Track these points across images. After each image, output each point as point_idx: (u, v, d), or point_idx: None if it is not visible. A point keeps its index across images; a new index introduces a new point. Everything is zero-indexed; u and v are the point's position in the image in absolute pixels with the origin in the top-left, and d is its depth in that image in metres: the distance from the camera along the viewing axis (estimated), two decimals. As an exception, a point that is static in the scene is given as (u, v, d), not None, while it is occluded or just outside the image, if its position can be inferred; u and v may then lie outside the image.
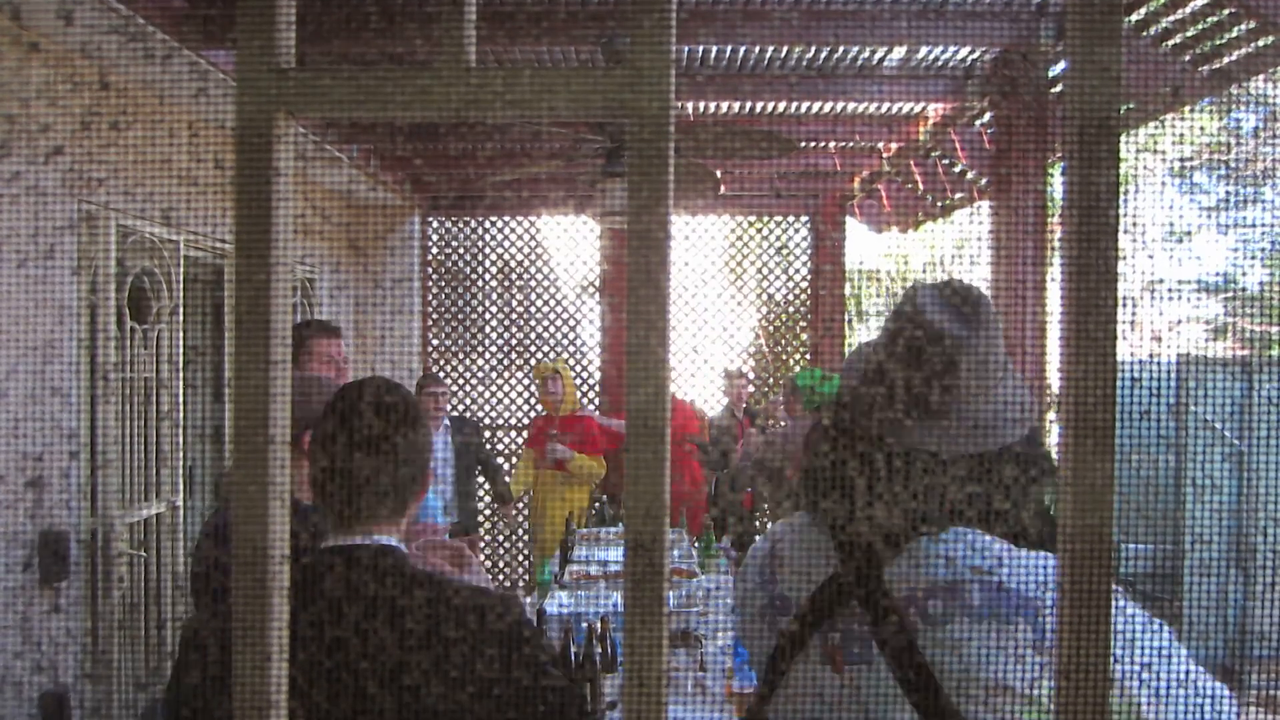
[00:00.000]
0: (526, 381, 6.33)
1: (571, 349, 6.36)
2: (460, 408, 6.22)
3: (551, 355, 6.34)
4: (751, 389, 6.37)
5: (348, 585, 1.19)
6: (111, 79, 3.17)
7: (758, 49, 3.70)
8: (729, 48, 3.70)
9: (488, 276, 6.37)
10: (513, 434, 6.29)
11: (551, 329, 6.35)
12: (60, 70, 2.90)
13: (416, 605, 1.18)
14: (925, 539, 1.04)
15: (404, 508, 1.29)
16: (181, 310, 3.60)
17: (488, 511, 5.71)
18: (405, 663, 1.14)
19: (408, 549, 1.32)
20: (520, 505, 5.32)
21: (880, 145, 4.99)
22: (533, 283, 6.38)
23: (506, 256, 6.35)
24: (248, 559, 0.68)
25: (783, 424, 4.99)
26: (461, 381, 6.29)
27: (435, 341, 6.30)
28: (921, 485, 1.05)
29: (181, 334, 3.61)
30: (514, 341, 6.38)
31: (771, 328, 6.45)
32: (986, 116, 4.07)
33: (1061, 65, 3.42)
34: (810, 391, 4.34)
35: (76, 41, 2.84)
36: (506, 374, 6.40)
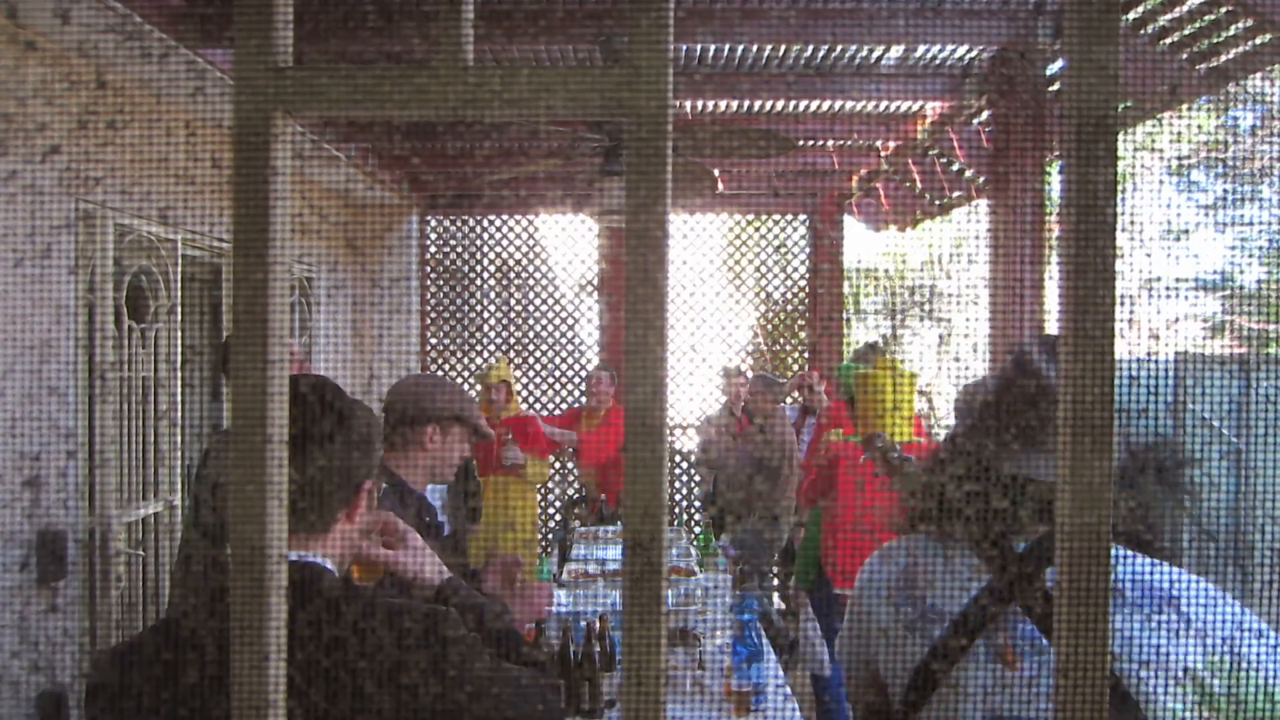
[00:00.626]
0: (525, 380, 6.33)
1: (570, 347, 6.36)
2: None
3: (551, 354, 6.33)
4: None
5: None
6: (109, 77, 3.16)
7: (756, 47, 3.70)
8: (727, 46, 3.69)
9: (486, 275, 6.36)
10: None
11: (550, 328, 6.35)
12: (57, 69, 2.89)
13: (340, 624, 1.09)
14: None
15: (330, 519, 1.19)
16: (179, 309, 3.60)
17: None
18: (332, 685, 1.07)
19: (357, 549, 1.26)
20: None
21: (878, 144, 4.99)
22: (531, 281, 6.38)
23: (505, 255, 6.35)
24: (245, 558, 0.68)
25: (758, 420, 4.99)
26: (460, 381, 6.29)
27: (433, 340, 6.30)
28: (1041, 505, 1.24)
29: (179, 333, 3.60)
30: (512, 340, 6.38)
31: (770, 326, 6.46)
32: (984, 115, 4.07)
33: (1059, 63, 3.42)
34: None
35: (73, 40, 2.83)
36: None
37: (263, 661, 0.68)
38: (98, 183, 3.11)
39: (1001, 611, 1.20)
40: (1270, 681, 1.09)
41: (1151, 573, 1.22)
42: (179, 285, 3.60)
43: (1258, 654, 1.10)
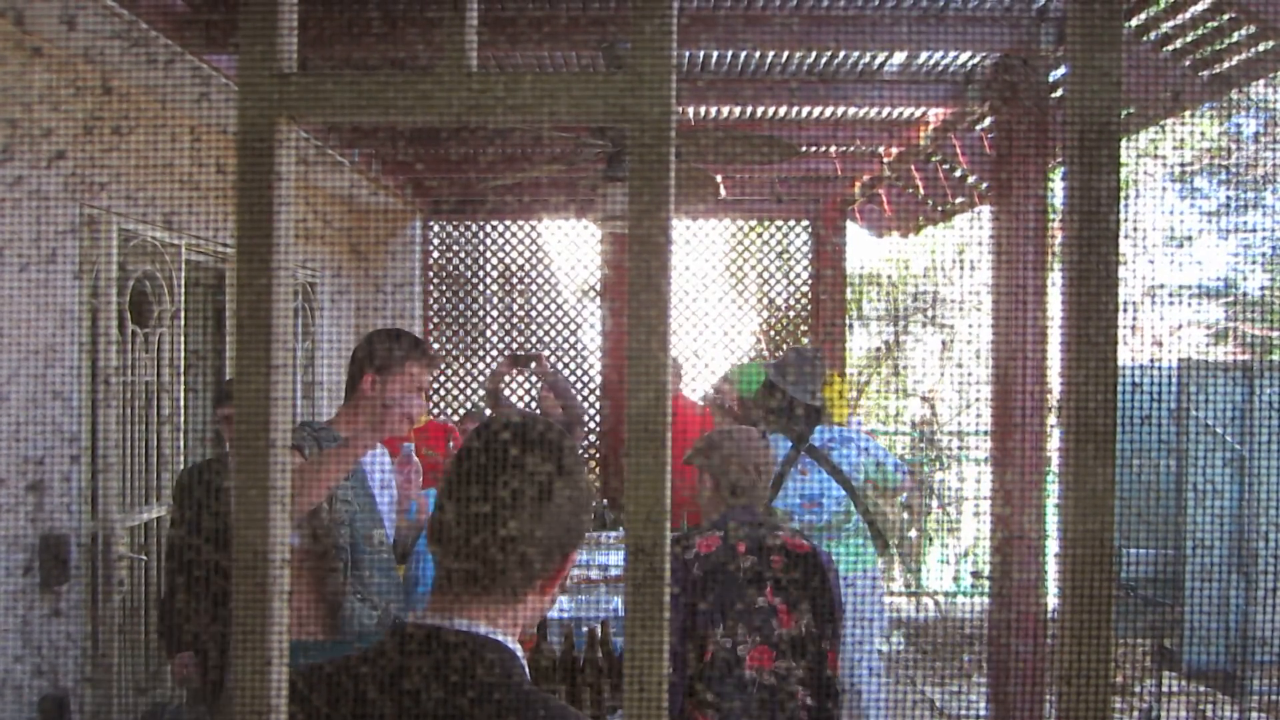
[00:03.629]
0: (527, 385, 6.33)
1: (572, 353, 6.36)
2: (460, 413, 6.22)
3: (552, 359, 6.33)
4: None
5: (433, 676, 0.94)
6: (114, 84, 3.18)
7: (758, 54, 3.71)
8: (730, 53, 3.70)
9: (489, 281, 6.37)
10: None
11: (552, 333, 6.35)
12: (63, 75, 2.90)
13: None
14: None
15: (528, 588, 1.00)
16: (183, 314, 3.61)
17: None
18: None
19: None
20: None
21: (881, 150, 4.99)
22: (534, 287, 6.39)
23: (508, 261, 6.35)
24: (248, 563, 0.68)
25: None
26: (463, 385, 6.29)
27: (436, 346, 6.30)
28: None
29: (183, 338, 3.61)
30: (515, 345, 6.38)
31: (772, 332, 6.45)
32: (987, 121, 4.07)
33: (1062, 70, 3.42)
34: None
35: (79, 46, 2.84)
36: (508, 378, 6.39)
37: (265, 666, 0.68)
38: (103, 188, 3.12)
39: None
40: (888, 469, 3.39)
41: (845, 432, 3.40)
42: (182, 290, 3.61)
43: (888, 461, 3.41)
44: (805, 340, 6.27)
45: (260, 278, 0.67)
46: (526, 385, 6.25)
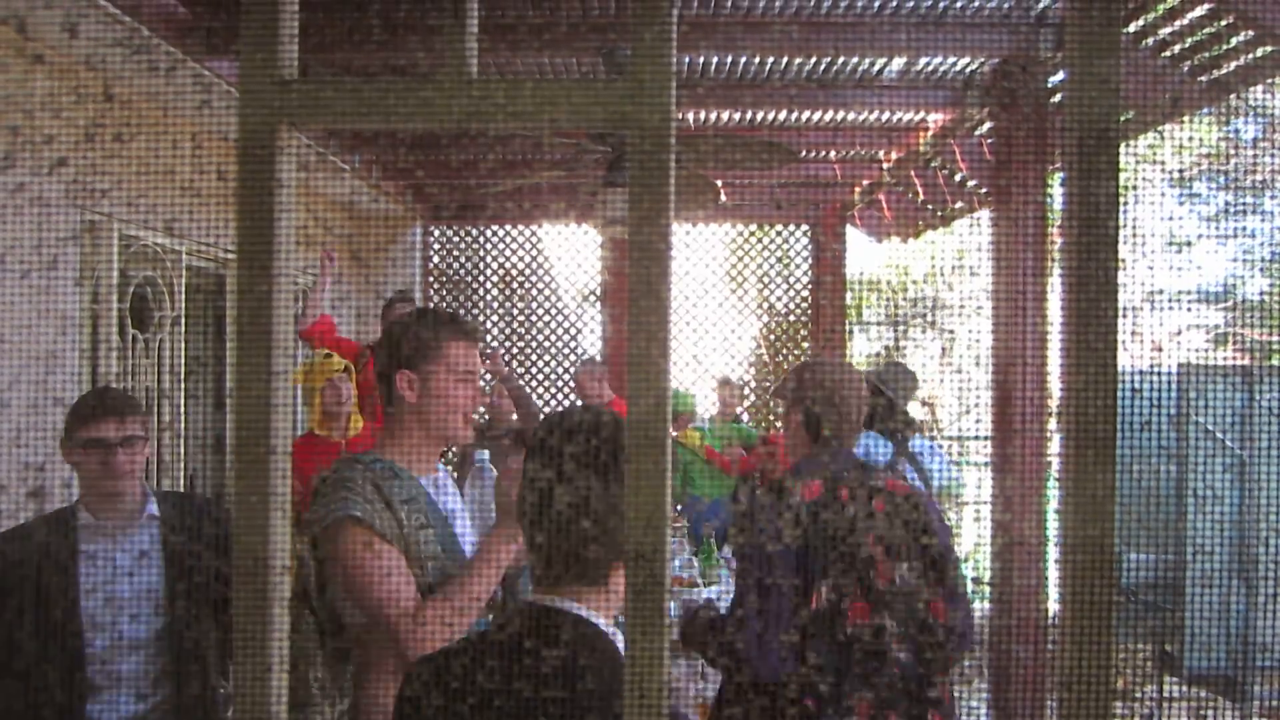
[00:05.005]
0: (528, 390, 6.32)
1: (572, 358, 6.36)
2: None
3: (554, 363, 6.33)
4: (751, 398, 6.37)
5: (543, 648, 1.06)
6: (116, 91, 3.18)
7: (758, 60, 3.72)
8: (729, 58, 3.71)
9: (489, 286, 6.38)
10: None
11: (552, 338, 6.35)
12: (65, 82, 2.91)
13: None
14: None
15: (610, 569, 1.11)
16: (184, 320, 3.61)
17: None
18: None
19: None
20: None
21: (880, 155, 5.00)
22: (534, 292, 6.39)
23: (508, 266, 6.36)
24: (248, 569, 0.68)
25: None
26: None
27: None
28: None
29: (183, 344, 3.61)
30: (515, 350, 6.38)
31: (772, 337, 6.45)
32: (986, 126, 4.08)
33: (1061, 75, 3.43)
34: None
35: (81, 53, 2.85)
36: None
37: (265, 673, 0.68)
38: (104, 194, 3.12)
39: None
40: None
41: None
42: (183, 296, 3.61)
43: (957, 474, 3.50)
44: (805, 345, 6.27)
45: (261, 283, 0.68)
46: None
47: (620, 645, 1.06)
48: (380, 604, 1.56)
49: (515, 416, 4.50)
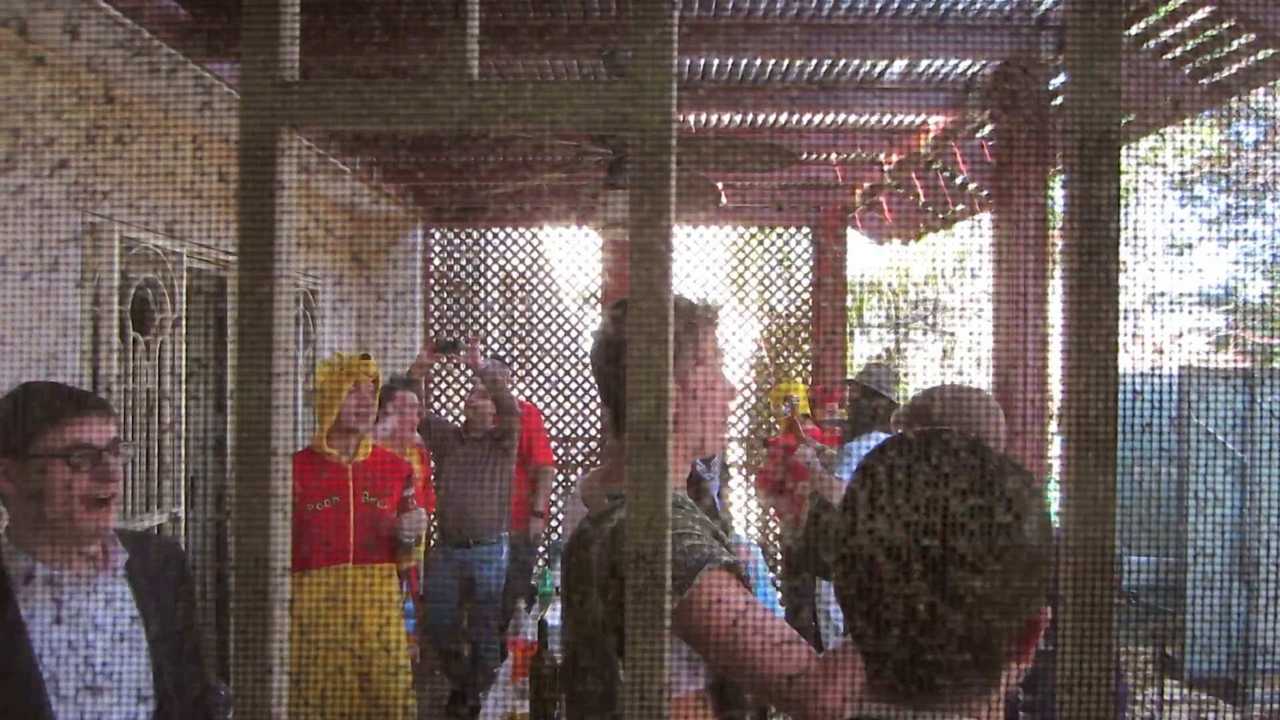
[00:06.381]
0: (529, 394, 6.33)
1: (573, 360, 6.36)
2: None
3: (553, 366, 6.32)
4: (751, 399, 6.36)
5: None
6: (117, 92, 3.19)
7: (759, 62, 3.72)
8: (730, 60, 3.71)
9: (490, 288, 6.38)
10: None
11: (553, 340, 6.35)
12: (66, 84, 2.91)
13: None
14: None
15: (1000, 671, 0.74)
16: (184, 322, 3.61)
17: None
18: None
19: None
20: None
21: (881, 157, 5.00)
22: (535, 294, 6.39)
23: (509, 268, 6.36)
24: (249, 571, 0.68)
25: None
26: (464, 394, 6.29)
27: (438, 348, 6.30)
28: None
29: (184, 346, 3.61)
30: (516, 353, 6.38)
31: (773, 339, 6.45)
32: (987, 129, 4.08)
33: (1062, 78, 3.43)
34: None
35: (82, 55, 2.85)
36: (508, 386, 6.39)
37: (265, 675, 0.67)
38: (105, 196, 3.13)
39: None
40: None
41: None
42: (184, 298, 3.62)
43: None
44: (806, 347, 6.27)
45: (262, 285, 0.68)
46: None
47: None
48: (773, 663, 1.17)
49: (491, 409, 4.23)
